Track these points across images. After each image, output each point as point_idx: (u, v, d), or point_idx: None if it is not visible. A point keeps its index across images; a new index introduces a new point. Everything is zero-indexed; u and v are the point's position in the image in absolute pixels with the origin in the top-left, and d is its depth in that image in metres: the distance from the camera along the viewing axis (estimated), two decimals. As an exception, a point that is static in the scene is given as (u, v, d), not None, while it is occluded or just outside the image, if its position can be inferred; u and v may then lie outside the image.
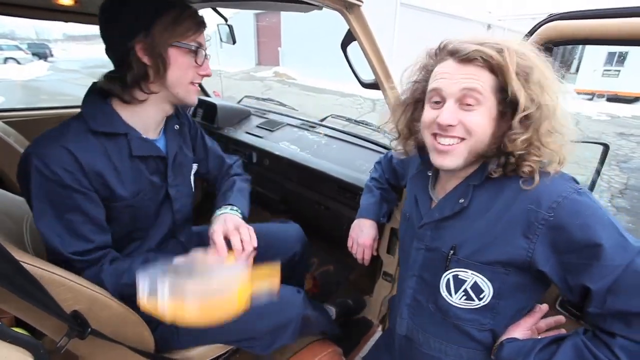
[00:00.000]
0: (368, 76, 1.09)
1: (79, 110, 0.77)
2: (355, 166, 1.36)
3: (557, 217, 0.56)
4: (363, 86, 1.09)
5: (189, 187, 0.98)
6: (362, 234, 1.01)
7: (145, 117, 0.81)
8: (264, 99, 2.30)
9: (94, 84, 0.78)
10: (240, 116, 1.98)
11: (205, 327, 0.69)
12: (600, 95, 13.33)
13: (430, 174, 0.78)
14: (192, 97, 0.83)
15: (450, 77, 0.61)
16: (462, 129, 0.61)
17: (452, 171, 0.67)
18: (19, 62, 17.48)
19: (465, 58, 0.60)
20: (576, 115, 10.61)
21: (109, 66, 0.79)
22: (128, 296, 0.72)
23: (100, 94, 0.77)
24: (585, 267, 0.55)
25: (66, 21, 1.62)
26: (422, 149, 0.76)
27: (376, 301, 1.56)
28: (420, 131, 0.70)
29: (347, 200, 1.35)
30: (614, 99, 12.81)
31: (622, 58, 13.24)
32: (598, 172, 0.93)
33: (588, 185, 0.95)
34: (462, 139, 0.62)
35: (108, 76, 0.77)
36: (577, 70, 16.03)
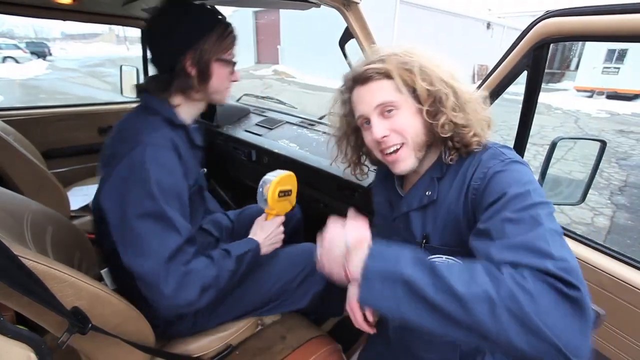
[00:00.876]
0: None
1: (77, 108, 0.80)
2: (354, 164, 1.37)
3: (483, 184, 0.62)
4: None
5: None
6: (348, 297, 0.88)
7: (189, 114, 0.90)
8: (262, 97, 2.29)
9: (140, 85, 0.89)
10: (240, 114, 1.98)
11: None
12: (600, 93, 13.35)
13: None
14: (225, 99, 0.94)
15: (363, 99, 0.69)
16: (396, 135, 0.68)
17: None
18: (17, 61, 17.44)
19: (364, 79, 0.68)
20: (576, 113, 10.64)
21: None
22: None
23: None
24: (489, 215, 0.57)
25: (64, 19, 1.62)
26: (378, 162, 0.82)
27: (375, 298, 1.57)
28: (371, 151, 0.77)
29: (346, 197, 1.35)
30: (614, 96, 12.82)
31: (621, 55, 13.22)
32: (595, 169, 0.94)
33: (586, 182, 0.96)
34: (402, 144, 0.69)
35: (153, 79, 0.86)
36: (577, 67, 16.02)
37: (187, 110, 0.89)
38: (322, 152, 1.49)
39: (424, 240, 0.71)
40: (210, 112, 1.92)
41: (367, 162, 0.89)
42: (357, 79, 0.70)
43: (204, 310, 0.93)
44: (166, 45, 0.82)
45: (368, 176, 0.91)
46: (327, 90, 11.71)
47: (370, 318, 0.87)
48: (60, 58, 21.62)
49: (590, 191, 0.97)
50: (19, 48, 19.04)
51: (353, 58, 1.12)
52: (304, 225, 1.27)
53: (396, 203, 0.81)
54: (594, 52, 13.85)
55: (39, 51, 21.18)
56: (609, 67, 13.42)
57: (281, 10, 15.57)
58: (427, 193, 0.72)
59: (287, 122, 1.83)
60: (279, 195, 1.01)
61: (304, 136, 1.66)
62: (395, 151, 0.69)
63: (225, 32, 0.84)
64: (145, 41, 0.88)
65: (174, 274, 0.72)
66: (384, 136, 0.68)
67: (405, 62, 0.67)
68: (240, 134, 1.79)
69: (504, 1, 22.15)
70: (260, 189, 1.00)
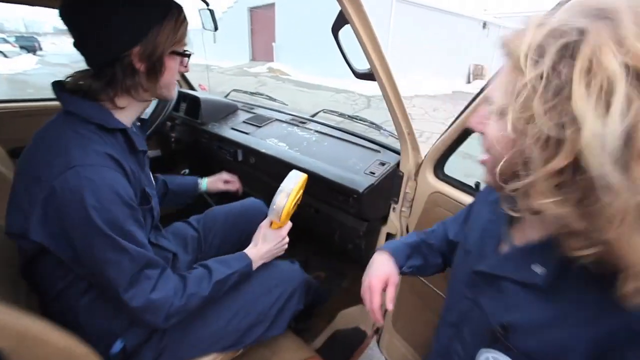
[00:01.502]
0: (362, 65, 0.97)
1: (47, 103, 0.70)
2: (347, 165, 1.24)
3: None
4: (356, 76, 0.97)
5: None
6: (369, 271, 0.76)
7: (130, 115, 0.77)
8: (252, 93, 2.16)
9: (61, 83, 0.71)
10: (227, 111, 1.84)
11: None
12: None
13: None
14: (174, 93, 0.81)
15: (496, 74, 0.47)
16: (485, 141, 0.46)
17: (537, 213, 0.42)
18: (5, 55, 17.03)
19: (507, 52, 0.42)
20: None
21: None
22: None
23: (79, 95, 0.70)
24: None
25: (54, 7, 1.51)
26: None
27: (371, 311, 1.46)
28: None
29: (340, 203, 1.23)
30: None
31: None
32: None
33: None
34: (487, 158, 0.47)
35: (86, 76, 0.69)
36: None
37: (129, 113, 0.75)
38: (313, 152, 1.36)
39: (501, 329, 0.47)
40: (194, 108, 1.79)
41: None
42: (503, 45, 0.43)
43: (168, 346, 0.83)
44: (107, 35, 0.65)
45: None
46: (322, 89, 11.58)
47: (390, 307, 0.70)
48: (51, 53, 21.22)
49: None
50: (7, 42, 18.63)
51: (349, 48, 1.00)
52: (294, 232, 1.15)
53: (488, 243, 0.57)
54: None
55: (29, 45, 20.80)
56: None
57: (277, 8, 15.40)
58: (535, 268, 0.45)
59: (277, 120, 1.70)
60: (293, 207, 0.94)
61: (294, 135, 1.53)
62: (485, 157, 0.48)
63: (179, 19, 0.71)
64: (70, 22, 0.66)
65: (137, 298, 0.67)
66: (470, 128, 0.49)
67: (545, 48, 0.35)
68: (227, 132, 1.66)
69: (499, 2, 22.22)
70: (277, 201, 0.90)
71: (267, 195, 1.56)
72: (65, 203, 0.60)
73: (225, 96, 2.19)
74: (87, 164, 0.62)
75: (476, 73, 16.09)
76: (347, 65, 0.96)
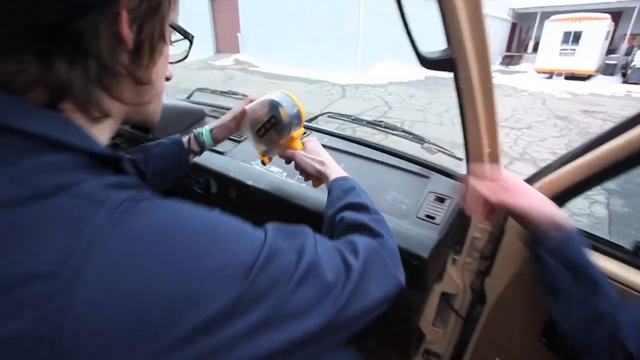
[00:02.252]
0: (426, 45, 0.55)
1: None
2: (386, 205, 0.81)
3: None
4: (425, 64, 0.54)
5: None
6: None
7: (101, 138, 0.41)
8: (222, 92, 1.66)
9: None
10: (189, 119, 1.35)
11: None
12: (559, 74, 13.81)
13: None
14: (158, 113, 0.49)
15: None
16: None
17: None
18: None
19: None
20: (540, 95, 10.90)
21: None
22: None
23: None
24: None
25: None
26: None
27: (412, 388, 1.07)
28: None
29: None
30: (571, 77, 13.42)
31: (577, 37, 13.69)
32: None
33: None
34: None
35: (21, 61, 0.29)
36: (534, 50, 16.51)
37: (105, 131, 0.40)
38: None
39: None
40: (143, 118, 1.29)
41: None
42: None
43: None
44: None
45: None
46: (294, 80, 11.03)
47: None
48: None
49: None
50: None
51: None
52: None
53: None
54: (551, 34, 14.25)
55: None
56: (565, 48, 13.89)
57: (239, -6, 14.56)
58: None
59: (262, 130, 1.24)
60: None
61: (291, 152, 1.08)
62: None
63: None
64: None
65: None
66: None
67: None
68: (192, 150, 1.18)
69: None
70: (289, 108, 0.71)
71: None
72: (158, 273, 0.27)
73: (188, 97, 1.69)
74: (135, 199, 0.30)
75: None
76: (412, 47, 0.52)
